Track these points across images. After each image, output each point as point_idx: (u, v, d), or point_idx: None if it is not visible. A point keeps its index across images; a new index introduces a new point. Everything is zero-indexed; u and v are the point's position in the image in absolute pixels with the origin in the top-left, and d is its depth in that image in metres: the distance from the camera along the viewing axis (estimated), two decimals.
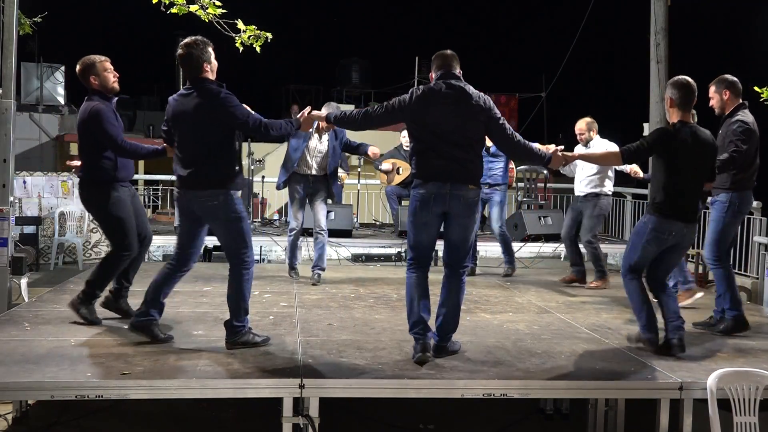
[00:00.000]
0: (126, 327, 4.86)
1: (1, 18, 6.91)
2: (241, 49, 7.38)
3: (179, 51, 4.54)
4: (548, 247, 9.15)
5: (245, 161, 9.64)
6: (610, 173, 7.33)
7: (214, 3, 7.12)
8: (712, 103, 5.57)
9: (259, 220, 11.02)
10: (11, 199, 6.77)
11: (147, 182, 13.59)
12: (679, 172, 4.73)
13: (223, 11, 7.17)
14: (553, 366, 4.52)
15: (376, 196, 11.72)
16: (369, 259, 11.01)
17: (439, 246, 4.78)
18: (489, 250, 10.24)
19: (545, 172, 10.57)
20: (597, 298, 6.88)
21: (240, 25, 7.27)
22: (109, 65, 5.14)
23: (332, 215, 8.93)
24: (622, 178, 7.84)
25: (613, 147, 6.80)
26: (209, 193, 4.52)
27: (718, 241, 5.50)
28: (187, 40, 4.58)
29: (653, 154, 4.86)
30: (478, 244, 9.16)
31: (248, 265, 4.63)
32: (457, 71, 4.61)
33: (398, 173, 9.87)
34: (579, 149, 7.09)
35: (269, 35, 7.37)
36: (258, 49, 7.34)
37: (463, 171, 4.46)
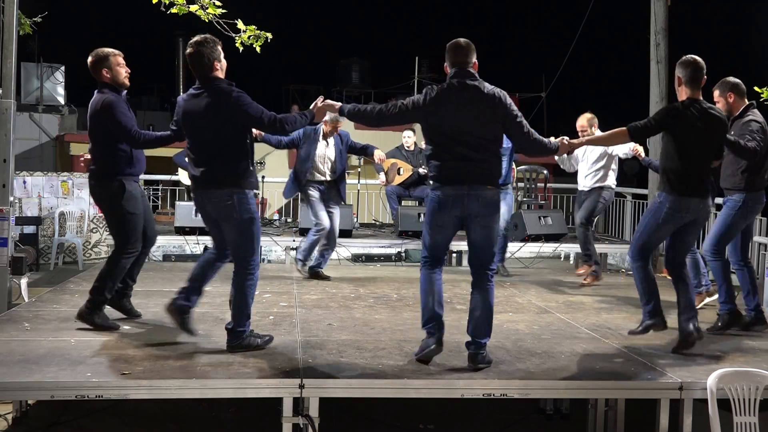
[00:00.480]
0: (127, 327, 4.86)
1: (1, 18, 6.91)
2: (241, 49, 7.37)
3: (189, 49, 4.49)
4: (548, 247, 9.15)
5: None
6: (614, 166, 7.38)
7: (214, 3, 7.12)
8: (717, 106, 5.56)
9: (259, 220, 11.01)
10: (11, 199, 6.77)
11: (147, 182, 13.57)
12: (689, 148, 4.71)
13: (223, 11, 7.16)
14: (553, 366, 4.52)
15: (376, 196, 11.73)
16: (369, 259, 11.02)
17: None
18: None
19: (545, 172, 10.57)
20: (597, 298, 6.88)
21: (240, 25, 7.27)
22: (122, 60, 5.09)
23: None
24: (622, 178, 7.86)
25: None
26: (222, 193, 4.47)
27: (721, 235, 5.51)
28: (196, 38, 4.53)
29: (661, 131, 4.84)
30: None
31: (253, 269, 4.58)
32: (472, 65, 4.45)
33: (399, 173, 9.87)
34: None
35: (269, 35, 7.37)
36: (258, 49, 7.34)
37: (480, 172, 4.35)
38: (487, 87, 4.40)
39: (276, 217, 11.75)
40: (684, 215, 4.77)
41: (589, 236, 7.45)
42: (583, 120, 7.21)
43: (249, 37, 7.33)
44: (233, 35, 7.33)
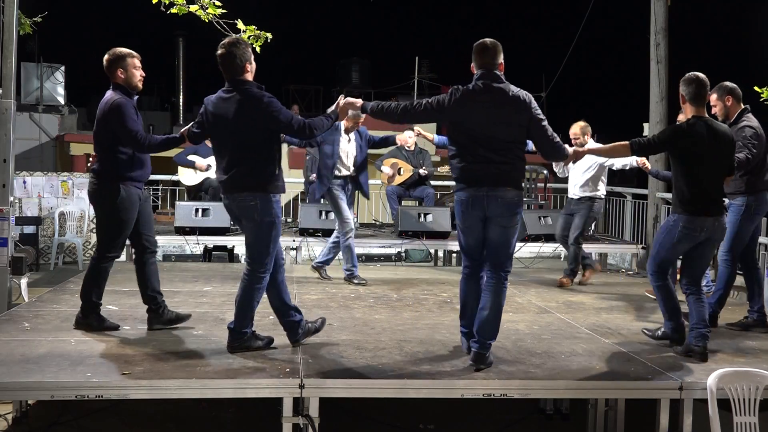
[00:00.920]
0: (127, 327, 4.86)
1: (1, 18, 6.91)
2: None
3: (221, 51, 4.45)
4: (548, 247, 9.15)
5: None
6: (604, 177, 7.41)
7: (214, 3, 7.12)
8: (715, 110, 5.60)
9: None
10: (11, 199, 6.77)
11: (147, 182, 13.56)
12: (699, 167, 4.71)
13: (223, 11, 7.16)
14: (553, 366, 4.53)
15: (376, 196, 11.72)
16: (369, 259, 11.02)
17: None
18: None
19: (545, 172, 10.57)
20: (597, 298, 6.88)
21: (240, 25, 7.27)
22: (138, 62, 5.00)
23: (332, 215, 8.92)
24: (622, 179, 7.86)
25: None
26: (248, 195, 4.46)
27: (732, 241, 5.56)
28: (228, 39, 4.50)
29: (665, 150, 4.87)
30: None
31: (264, 273, 4.55)
32: (498, 66, 4.45)
33: (399, 174, 9.87)
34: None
35: (269, 35, 7.36)
36: (258, 49, 7.33)
37: (500, 173, 4.37)
38: (513, 89, 4.41)
39: None
40: (699, 234, 4.76)
41: (578, 253, 7.51)
42: (576, 128, 7.23)
43: (249, 37, 7.31)
44: (233, 35, 7.32)
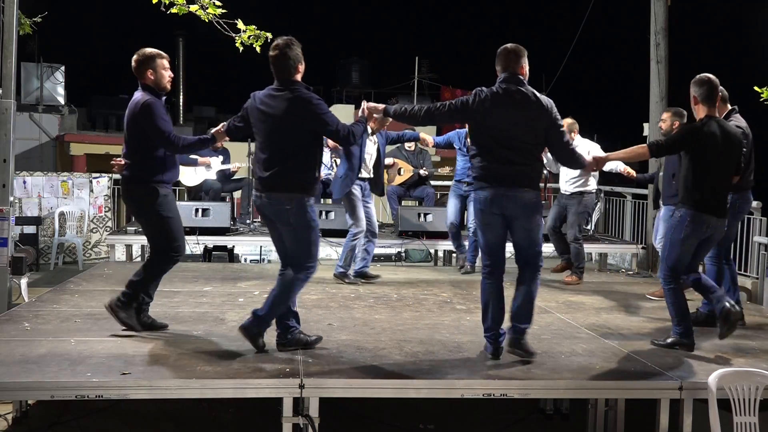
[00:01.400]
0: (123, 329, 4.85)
1: (1, 18, 6.91)
2: (241, 49, 7.38)
3: (274, 51, 4.45)
4: (548, 247, 9.14)
5: (245, 161, 9.65)
6: (594, 172, 7.44)
7: (214, 3, 7.12)
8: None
9: (259, 220, 11.02)
10: (11, 199, 6.77)
11: None
12: (709, 166, 4.82)
13: (223, 11, 7.17)
14: (553, 366, 4.52)
15: (377, 196, 11.73)
16: None
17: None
18: None
19: (546, 171, 10.58)
20: (597, 298, 6.88)
21: (240, 25, 7.27)
22: (167, 63, 4.97)
23: (332, 215, 8.93)
24: (623, 178, 7.88)
25: (594, 146, 7.38)
26: (284, 197, 4.45)
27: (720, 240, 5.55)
28: (280, 40, 4.49)
29: (681, 150, 4.94)
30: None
31: (308, 275, 4.57)
32: (522, 70, 4.56)
33: (399, 174, 9.87)
34: None
35: (269, 35, 7.36)
36: (258, 49, 7.34)
37: (519, 174, 4.48)
38: (535, 94, 4.54)
39: None
40: (705, 230, 4.87)
41: (581, 251, 7.61)
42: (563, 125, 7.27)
43: (249, 37, 7.33)
44: (233, 35, 7.33)
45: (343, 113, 17.20)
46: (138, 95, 4.88)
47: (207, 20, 7.18)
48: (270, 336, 4.85)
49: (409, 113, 4.73)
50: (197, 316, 5.54)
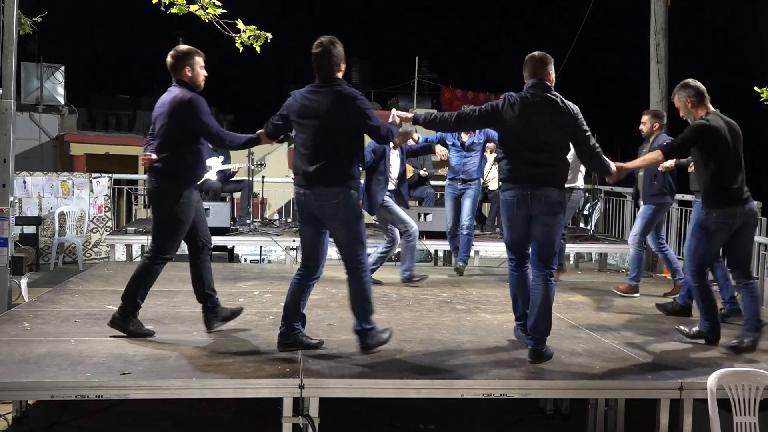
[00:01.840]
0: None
1: (1, 18, 6.91)
2: (241, 49, 7.38)
3: (318, 49, 4.49)
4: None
5: (246, 162, 9.65)
6: (582, 168, 7.52)
7: (214, 3, 7.12)
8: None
9: (259, 220, 11.03)
10: (11, 199, 6.77)
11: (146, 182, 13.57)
12: (723, 157, 4.92)
13: (223, 11, 7.16)
14: (553, 366, 4.53)
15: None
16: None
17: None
18: (489, 250, 10.25)
19: None
20: (597, 298, 6.88)
21: (240, 25, 7.27)
22: (203, 62, 4.95)
23: None
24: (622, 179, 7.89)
25: None
26: (331, 191, 4.49)
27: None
28: (324, 38, 4.54)
29: (692, 147, 5.04)
30: (477, 243, 9.16)
31: (365, 266, 4.65)
32: (549, 77, 4.76)
33: None
34: None
35: (269, 35, 7.36)
36: (258, 49, 7.34)
37: (545, 174, 4.64)
38: (562, 100, 4.73)
39: (276, 217, 11.76)
40: (733, 222, 4.94)
41: (563, 245, 7.66)
42: None
43: (249, 37, 7.32)
44: (233, 35, 7.33)
45: None
46: (176, 91, 4.84)
47: (207, 20, 7.17)
48: (272, 335, 4.86)
49: (440, 119, 4.88)
50: (197, 316, 5.53)
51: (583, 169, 7.52)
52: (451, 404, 5.07)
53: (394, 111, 4.95)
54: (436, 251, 10.06)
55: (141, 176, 14.53)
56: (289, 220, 11.31)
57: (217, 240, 8.86)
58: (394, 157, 7.29)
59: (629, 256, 7.46)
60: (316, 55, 4.53)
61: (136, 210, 13.28)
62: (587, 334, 5.41)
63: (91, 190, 11.65)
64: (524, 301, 4.83)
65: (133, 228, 9.26)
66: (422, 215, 9.03)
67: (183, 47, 4.95)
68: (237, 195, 10.46)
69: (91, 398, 3.97)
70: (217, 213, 8.69)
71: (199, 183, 5.12)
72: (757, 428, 3.98)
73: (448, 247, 9.07)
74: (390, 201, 7.13)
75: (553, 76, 4.79)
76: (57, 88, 18.92)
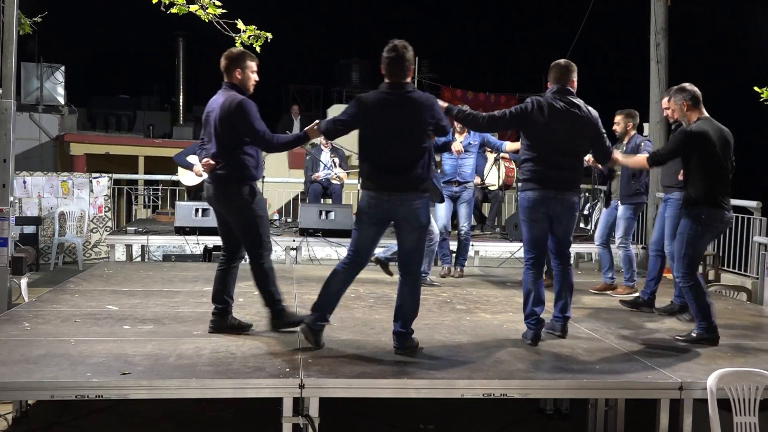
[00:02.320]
0: (127, 327, 4.85)
1: (1, 18, 6.91)
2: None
3: (391, 54, 4.49)
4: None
5: None
6: None
7: (214, 3, 7.12)
8: (667, 113, 5.93)
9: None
10: (11, 199, 6.77)
11: (147, 182, 13.58)
12: (712, 162, 5.01)
13: (223, 11, 7.16)
14: (553, 366, 4.53)
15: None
16: None
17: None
18: (489, 250, 10.25)
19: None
20: (597, 297, 6.89)
21: (240, 25, 7.27)
22: (256, 66, 4.95)
23: (332, 215, 8.92)
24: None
25: None
26: (415, 196, 4.54)
27: (673, 235, 5.72)
28: (397, 42, 4.54)
29: (680, 155, 5.17)
30: (477, 243, 9.16)
31: (420, 275, 4.81)
32: (573, 84, 4.99)
33: None
34: None
35: (269, 35, 7.36)
36: (258, 49, 7.33)
37: (568, 178, 4.93)
38: (586, 106, 4.99)
39: (276, 217, 11.76)
40: (718, 225, 5.12)
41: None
42: None
43: (249, 37, 7.32)
44: (233, 35, 7.33)
45: None
46: (228, 93, 4.83)
47: (207, 20, 7.17)
48: (272, 335, 4.86)
49: (472, 117, 5.03)
50: (197, 316, 5.55)
51: None
52: (451, 404, 5.07)
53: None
54: (435, 251, 10.00)
55: (141, 176, 14.56)
56: (289, 220, 11.31)
57: (217, 240, 8.83)
58: None
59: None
60: (388, 60, 4.52)
61: (136, 210, 13.30)
62: (587, 334, 5.41)
63: (91, 190, 11.66)
64: (536, 300, 4.99)
65: (133, 228, 9.26)
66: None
67: (236, 49, 5.00)
68: None
69: (91, 398, 3.98)
70: None
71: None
72: (757, 428, 3.98)
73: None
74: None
75: (576, 83, 5.01)
76: (57, 88, 18.92)
